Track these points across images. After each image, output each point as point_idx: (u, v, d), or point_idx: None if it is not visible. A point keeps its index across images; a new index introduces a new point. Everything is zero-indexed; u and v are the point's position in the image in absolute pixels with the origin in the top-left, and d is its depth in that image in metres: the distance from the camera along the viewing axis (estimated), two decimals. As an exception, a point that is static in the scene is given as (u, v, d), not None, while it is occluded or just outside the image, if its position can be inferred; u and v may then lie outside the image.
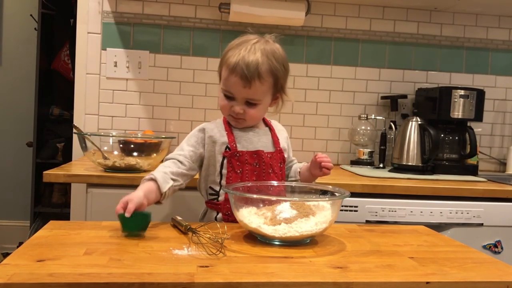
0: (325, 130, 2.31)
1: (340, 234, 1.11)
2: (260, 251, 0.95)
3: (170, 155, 1.28)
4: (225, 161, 1.26)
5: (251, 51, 1.20)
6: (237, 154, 1.25)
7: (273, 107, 1.34)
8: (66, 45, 3.00)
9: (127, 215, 1.01)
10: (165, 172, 1.20)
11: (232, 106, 1.24)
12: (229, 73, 1.20)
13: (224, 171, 1.26)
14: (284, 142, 1.36)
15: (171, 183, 1.19)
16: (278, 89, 1.28)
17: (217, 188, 1.28)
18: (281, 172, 1.32)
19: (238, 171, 1.25)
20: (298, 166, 1.41)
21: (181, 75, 2.21)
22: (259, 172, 1.26)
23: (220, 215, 1.27)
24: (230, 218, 1.22)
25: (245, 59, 1.18)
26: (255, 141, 1.29)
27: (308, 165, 1.34)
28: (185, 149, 1.27)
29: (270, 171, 1.28)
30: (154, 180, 1.16)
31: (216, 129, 1.30)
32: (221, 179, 1.27)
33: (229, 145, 1.26)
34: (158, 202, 1.18)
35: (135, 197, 1.06)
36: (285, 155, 1.35)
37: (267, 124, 1.38)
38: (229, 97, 1.24)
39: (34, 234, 1.00)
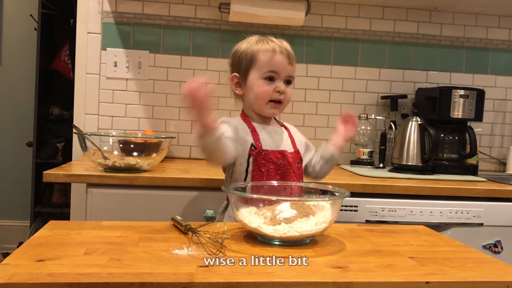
0: (325, 130, 2.31)
1: (340, 234, 1.11)
2: (260, 251, 0.94)
3: None
4: (251, 159, 1.29)
5: (278, 40, 1.34)
6: (263, 153, 1.28)
7: None
8: (66, 45, 3.00)
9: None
10: None
11: (276, 86, 1.30)
12: (273, 55, 1.30)
13: (250, 168, 1.29)
14: (299, 143, 1.41)
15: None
16: None
17: None
18: (299, 172, 1.36)
19: (263, 170, 1.28)
20: (322, 148, 1.46)
21: (181, 75, 2.20)
22: (283, 171, 1.30)
23: None
24: None
25: (282, 44, 1.33)
26: (277, 139, 1.34)
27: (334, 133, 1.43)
28: (227, 131, 1.25)
29: (291, 170, 1.31)
30: None
31: (239, 126, 1.32)
32: (246, 176, 1.30)
33: (254, 143, 1.29)
34: (210, 131, 1.13)
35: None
36: (302, 156, 1.40)
37: (282, 125, 1.43)
38: (271, 79, 1.30)
39: (34, 234, 1.00)
